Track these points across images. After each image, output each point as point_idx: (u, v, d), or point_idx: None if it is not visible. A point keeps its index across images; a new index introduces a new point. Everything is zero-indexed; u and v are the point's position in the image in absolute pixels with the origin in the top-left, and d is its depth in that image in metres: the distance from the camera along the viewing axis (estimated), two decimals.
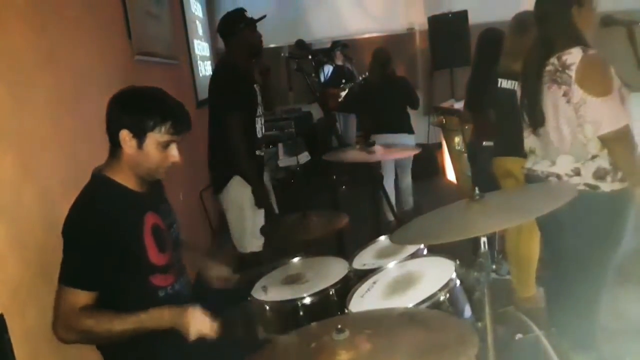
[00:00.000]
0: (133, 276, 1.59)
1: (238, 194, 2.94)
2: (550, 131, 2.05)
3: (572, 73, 1.91)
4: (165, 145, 1.59)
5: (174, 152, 1.62)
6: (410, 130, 4.55)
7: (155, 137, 1.57)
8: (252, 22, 3.02)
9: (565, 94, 1.95)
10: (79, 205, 1.58)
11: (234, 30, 2.98)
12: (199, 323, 1.52)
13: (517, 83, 2.72)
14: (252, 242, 2.94)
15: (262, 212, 3.00)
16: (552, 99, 2.01)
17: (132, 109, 1.58)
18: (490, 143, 3.17)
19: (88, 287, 1.51)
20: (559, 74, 1.96)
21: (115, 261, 1.53)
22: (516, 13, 2.86)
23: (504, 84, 2.89)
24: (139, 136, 1.56)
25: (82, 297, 1.49)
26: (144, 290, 1.62)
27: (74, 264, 1.52)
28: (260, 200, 2.94)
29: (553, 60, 1.98)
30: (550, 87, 2.00)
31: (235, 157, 2.86)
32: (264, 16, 3.14)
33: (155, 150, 1.58)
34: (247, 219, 2.93)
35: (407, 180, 4.80)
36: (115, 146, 1.61)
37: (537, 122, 2.09)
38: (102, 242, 1.52)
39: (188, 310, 1.53)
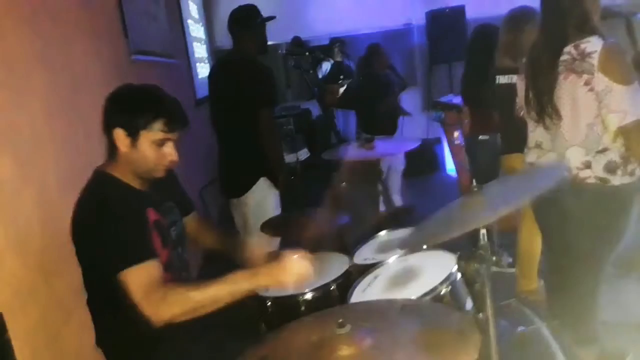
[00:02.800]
0: None
1: (263, 196, 2.91)
2: (562, 124, 2.00)
3: (594, 61, 1.85)
4: (160, 144, 1.57)
5: (170, 150, 1.59)
6: (390, 132, 4.52)
7: (148, 135, 1.55)
8: (265, 20, 3.00)
9: (586, 83, 1.88)
10: (89, 197, 1.56)
11: (249, 25, 2.93)
12: (297, 269, 1.47)
13: (515, 77, 2.72)
14: (270, 243, 2.90)
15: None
16: (569, 89, 1.94)
17: (125, 107, 1.56)
18: (486, 137, 3.18)
19: (150, 255, 1.46)
20: (578, 62, 1.89)
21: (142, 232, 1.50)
22: (510, 9, 2.86)
23: (502, 79, 2.89)
24: (133, 134, 1.55)
25: (154, 268, 1.45)
26: None
27: (119, 244, 1.46)
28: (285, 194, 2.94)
29: (569, 49, 1.92)
30: (567, 77, 1.94)
31: (273, 153, 2.83)
32: (274, 17, 3.09)
33: (150, 149, 1.56)
34: None
35: (396, 179, 4.73)
36: (112, 145, 1.60)
37: (549, 114, 2.03)
38: (126, 216, 1.49)
39: (280, 262, 1.47)
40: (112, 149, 1.60)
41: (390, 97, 4.62)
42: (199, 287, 1.44)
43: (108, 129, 1.57)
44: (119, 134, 1.55)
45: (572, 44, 1.92)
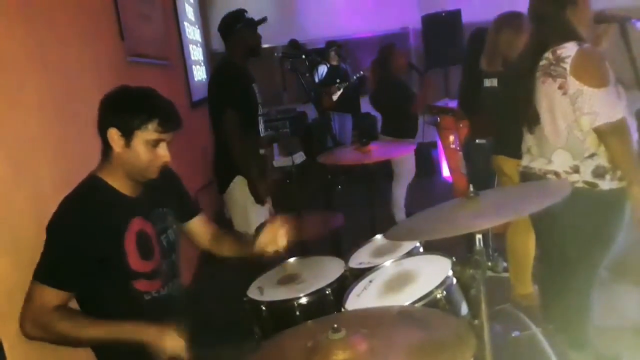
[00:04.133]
0: (112, 280, 1.58)
1: (241, 194, 2.97)
2: (545, 127, 2.04)
3: (567, 65, 1.91)
4: (154, 144, 1.59)
5: (163, 151, 1.61)
6: (407, 136, 4.30)
7: (142, 136, 1.57)
8: (251, 23, 3.06)
9: (560, 87, 1.94)
10: (65, 204, 1.57)
11: (232, 30, 3.03)
12: (173, 345, 1.50)
13: (495, 80, 2.78)
14: None
15: (266, 210, 3.03)
16: (546, 93, 2.00)
17: (120, 107, 1.58)
18: (483, 140, 3.20)
19: (61, 286, 1.50)
20: (553, 67, 1.95)
21: (92, 264, 1.52)
22: (499, 14, 2.90)
23: (486, 83, 2.92)
24: (127, 134, 1.56)
25: (55, 295, 1.49)
26: (126, 294, 1.61)
27: (51, 262, 1.51)
28: (259, 196, 2.96)
29: (547, 54, 1.98)
30: (544, 82, 1.99)
31: (234, 154, 2.88)
32: (265, 18, 3.15)
33: (144, 149, 1.58)
34: (251, 218, 2.93)
35: (398, 191, 4.37)
36: (106, 146, 1.61)
37: (531, 119, 2.07)
38: (80, 243, 1.51)
39: (163, 331, 1.51)
40: (106, 150, 1.61)
41: (411, 99, 4.32)
42: (83, 324, 1.49)
43: (103, 129, 1.59)
44: (113, 134, 1.57)
45: (551, 50, 1.97)
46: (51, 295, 1.48)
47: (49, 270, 1.51)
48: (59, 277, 1.50)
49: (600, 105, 1.87)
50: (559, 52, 1.94)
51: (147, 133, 1.56)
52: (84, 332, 1.48)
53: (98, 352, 1.65)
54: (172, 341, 1.50)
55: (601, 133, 1.90)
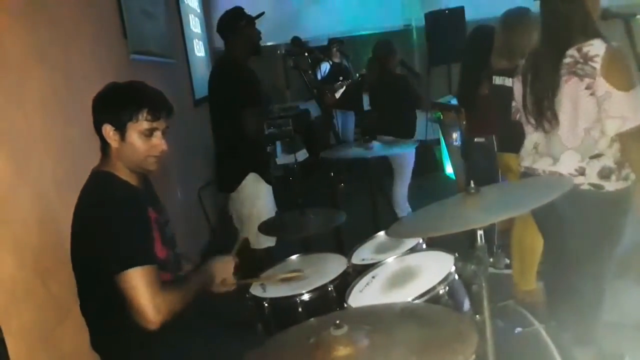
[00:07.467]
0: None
1: (254, 191, 2.99)
2: (560, 127, 1.98)
3: (597, 65, 1.83)
4: (148, 134, 1.60)
5: (158, 140, 1.62)
6: (407, 135, 4.19)
7: (135, 127, 1.59)
8: (252, 20, 3.06)
9: (588, 87, 1.86)
10: (95, 195, 1.58)
11: (234, 28, 3.02)
12: (223, 272, 1.71)
13: (510, 80, 2.73)
14: (267, 238, 2.94)
15: (272, 204, 3.07)
16: (570, 92, 1.92)
17: (109, 103, 1.61)
18: (482, 139, 3.19)
19: (154, 259, 1.53)
20: (580, 65, 1.87)
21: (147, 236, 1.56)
22: (505, 10, 2.87)
23: (497, 80, 2.90)
24: (120, 128, 1.59)
25: (156, 272, 1.50)
26: None
27: (131, 243, 1.50)
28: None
29: (572, 52, 1.90)
30: (568, 80, 1.92)
31: (251, 151, 2.94)
32: (263, 13, 3.15)
33: (139, 140, 1.60)
34: (262, 215, 2.93)
35: (401, 189, 4.25)
36: (104, 144, 1.63)
37: (547, 119, 2.00)
38: (135, 216, 1.55)
39: (212, 264, 1.72)
40: (104, 147, 1.63)
41: (413, 96, 4.24)
42: (174, 289, 1.54)
43: (98, 127, 1.61)
44: (108, 130, 1.59)
45: (575, 47, 1.90)
46: (154, 273, 1.49)
47: (134, 252, 1.49)
48: (144, 252, 1.52)
49: (629, 109, 1.81)
50: (585, 49, 1.86)
51: (139, 124, 1.58)
52: (185, 297, 1.56)
53: (103, 354, 1.64)
54: (222, 269, 1.72)
55: (625, 136, 1.85)
